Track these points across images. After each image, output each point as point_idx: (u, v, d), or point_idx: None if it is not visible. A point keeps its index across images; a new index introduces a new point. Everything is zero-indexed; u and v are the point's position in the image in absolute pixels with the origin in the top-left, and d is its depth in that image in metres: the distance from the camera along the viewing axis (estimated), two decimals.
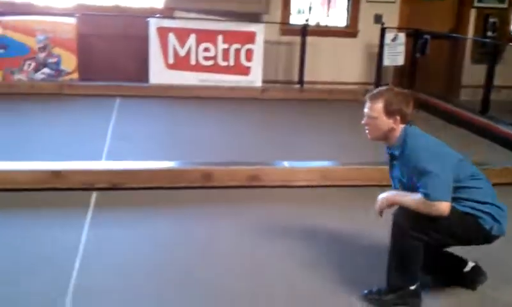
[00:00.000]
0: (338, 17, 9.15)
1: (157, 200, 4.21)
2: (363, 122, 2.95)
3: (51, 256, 3.26)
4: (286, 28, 8.72)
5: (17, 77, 7.46)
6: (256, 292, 2.99)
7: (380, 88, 2.99)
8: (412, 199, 2.73)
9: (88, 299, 2.84)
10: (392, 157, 2.96)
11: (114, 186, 4.30)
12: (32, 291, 2.87)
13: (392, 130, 2.87)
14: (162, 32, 7.82)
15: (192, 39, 7.92)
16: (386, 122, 2.86)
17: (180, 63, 7.94)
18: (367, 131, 2.95)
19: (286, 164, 4.75)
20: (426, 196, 2.66)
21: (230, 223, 3.86)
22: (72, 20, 7.53)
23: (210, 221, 3.89)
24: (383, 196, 2.88)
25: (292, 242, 3.56)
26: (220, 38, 8.01)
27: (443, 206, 2.67)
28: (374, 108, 2.87)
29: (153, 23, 7.79)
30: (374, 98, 2.90)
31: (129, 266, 3.21)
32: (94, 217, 3.83)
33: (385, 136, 2.91)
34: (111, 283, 3.00)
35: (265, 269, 3.23)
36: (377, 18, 8.74)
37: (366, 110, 2.92)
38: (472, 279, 3.07)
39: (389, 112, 2.84)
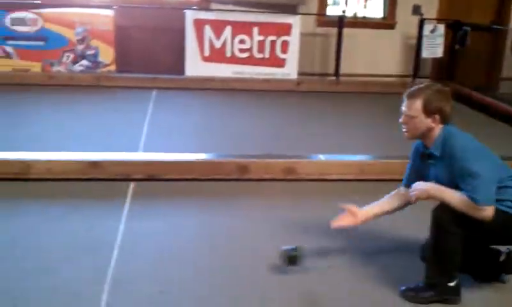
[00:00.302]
0: (376, 8, 9.02)
1: (193, 192, 4.23)
2: (400, 120, 2.87)
3: (89, 245, 3.31)
4: (322, 19, 8.65)
5: (56, 68, 7.59)
6: (290, 286, 2.97)
7: (419, 85, 2.89)
8: (454, 196, 2.65)
9: (126, 287, 2.87)
10: (429, 157, 2.88)
11: (150, 177, 4.34)
12: (71, 280, 2.92)
13: (430, 129, 2.80)
14: (199, 24, 7.84)
15: (228, 31, 7.92)
16: (424, 121, 2.78)
17: (216, 55, 7.95)
18: (404, 130, 2.88)
19: (322, 157, 4.72)
20: (473, 199, 2.59)
21: (265, 216, 3.85)
22: (110, 12, 7.61)
23: (245, 214, 3.89)
24: (423, 186, 2.80)
25: (327, 237, 3.52)
26: (256, 29, 7.99)
27: (489, 211, 2.60)
28: (412, 106, 2.79)
29: (190, 15, 7.82)
30: (412, 96, 2.81)
31: (165, 256, 3.24)
32: (131, 207, 3.87)
33: (423, 135, 2.84)
34: (148, 272, 3.03)
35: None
36: (416, 9, 8.56)
37: (404, 108, 2.84)
38: (511, 266, 3.00)
39: (428, 111, 2.76)
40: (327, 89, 8.12)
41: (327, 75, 8.55)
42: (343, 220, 3.07)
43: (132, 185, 4.25)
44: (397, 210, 3.11)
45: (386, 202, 3.13)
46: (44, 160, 4.29)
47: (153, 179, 4.34)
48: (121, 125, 5.79)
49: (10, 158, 4.28)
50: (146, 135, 5.45)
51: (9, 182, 4.15)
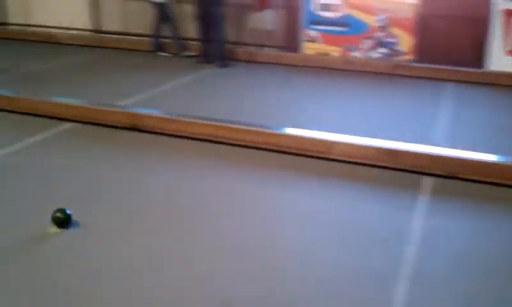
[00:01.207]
0: None
1: (497, 197, 3.89)
2: None
3: (381, 234, 3.31)
4: None
5: (353, 54, 7.78)
6: None
7: None
8: None
9: (426, 288, 2.78)
10: None
11: (448, 174, 4.14)
12: (363, 267, 2.95)
13: None
14: (508, 15, 7.20)
15: None
16: None
17: None
18: None
19: None
20: None
21: None
22: (413, 0, 7.46)
23: None
24: None
25: None
26: None
27: None
28: None
29: (499, 5, 7.21)
30: None
31: (468, 261, 3.06)
32: (427, 203, 3.75)
33: None
34: (450, 275, 2.90)
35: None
36: None
37: None
38: None
39: None
40: None
41: None
42: None
43: (427, 179, 4.10)
44: None
45: None
46: (344, 142, 4.45)
47: (451, 177, 4.12)
48: (417, 116, 5.65)
49: (315, 137, 4.54)
50: (443, 129, 5.22)
51: (312, 159, 4.41)
